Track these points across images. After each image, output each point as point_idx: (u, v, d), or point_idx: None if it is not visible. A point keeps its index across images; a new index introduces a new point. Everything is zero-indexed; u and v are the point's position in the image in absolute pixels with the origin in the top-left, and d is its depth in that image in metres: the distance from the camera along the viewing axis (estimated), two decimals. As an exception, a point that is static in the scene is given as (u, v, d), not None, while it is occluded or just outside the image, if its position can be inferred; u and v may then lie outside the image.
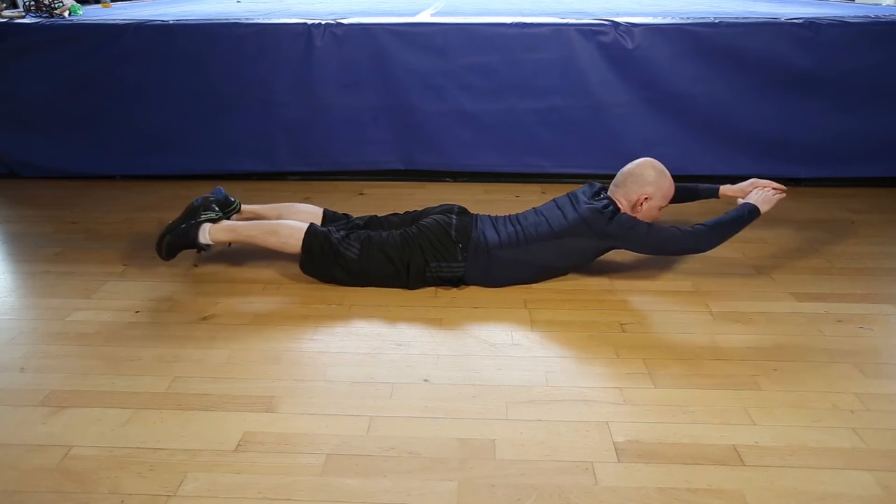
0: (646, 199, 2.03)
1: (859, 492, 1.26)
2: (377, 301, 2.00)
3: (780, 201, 2.07)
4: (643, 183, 2.02)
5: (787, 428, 1.44)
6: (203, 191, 3.00)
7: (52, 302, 2.00)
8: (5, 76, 3.03)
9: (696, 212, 2.63)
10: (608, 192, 2.10)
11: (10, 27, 2.98)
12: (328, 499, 1.24)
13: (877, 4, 4.66)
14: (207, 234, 2.06)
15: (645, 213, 2.05)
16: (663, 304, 1.98)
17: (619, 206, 2.04)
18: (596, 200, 2.04)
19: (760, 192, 2.04)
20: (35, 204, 2.90)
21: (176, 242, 2.06)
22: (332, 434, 1.42)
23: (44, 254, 2.36)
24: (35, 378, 1.62)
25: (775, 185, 2.08)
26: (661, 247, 1.94)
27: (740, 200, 2.09)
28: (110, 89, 3.01)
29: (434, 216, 2.11)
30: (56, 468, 1.32)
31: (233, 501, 1.24)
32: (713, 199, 2.27)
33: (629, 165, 2.07)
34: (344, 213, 2.30)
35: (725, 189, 2.20)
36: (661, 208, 2.07)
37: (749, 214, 1.98)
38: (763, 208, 1.99)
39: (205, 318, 1.90)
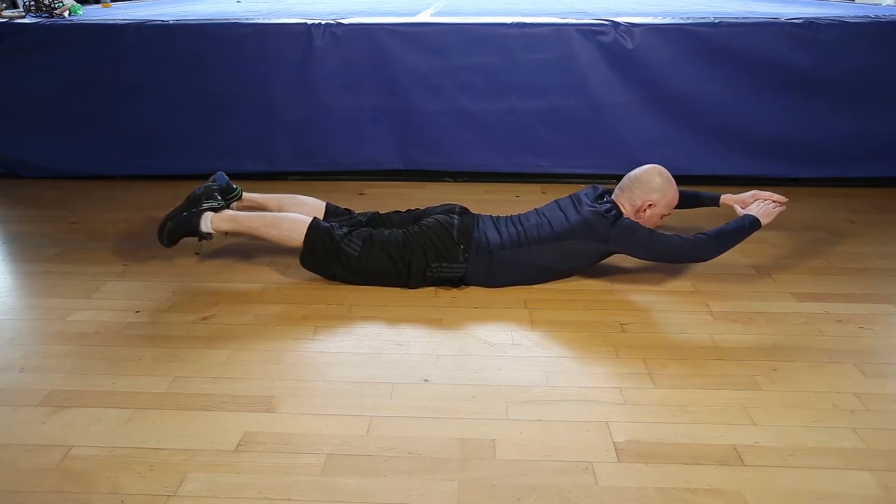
0: (650, 205, 2.04)
1: (859, 492, 1.26)
2: (377, 301, 2.00)
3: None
4: (649, 189, 2.04)
5: (787, 428, 1.44)
6: (203, 191, 3.02)
7: (52, 302, 2.00)
8: (5, 76, 3.03)
9: (701, 214, 2.63)
10: (612, 196, 2.10)
11: (10, 27, 2.98)
12: (328, 499, 1.24)
13: (877, 4, 4.66)
14: (209, 222, 2.06)
15: (647, 219, 2.06)
16: (663, 304, 1.98)
17: (623, 210, 2.05)
18: (599, 204, 2.04)
19: (762, 205, 2.05)
20: (35, 204, 2.90)
21: (177, 230, 2.05)
22: (332, 434, 1.42)
23: (44, 254, 2.36)
24: (35, 378, 1.62)
25: (776, 196, 2.08)
26: (662, 253, 1.95)
27: (740, 210, 2.11)
28: (110, 89, 3.01)
29: (436, 216, 2.11)
30: (56, 468, 1.32)
31: (233, 501, 1.24)
32: (716, 205, 2.28)
33: (636, 171, 2.07)
34: (346, 209, 2.29)
35: (726, 198, 2.21)
36: (663, 216, 2.08)
37: (750, 226, 1.99)
38: (764, 221, 2.00)
39: (205, 318, 1.90)
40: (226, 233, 2.11)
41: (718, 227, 1.98)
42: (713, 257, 1.95)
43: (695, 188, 2.29)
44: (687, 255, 1.94)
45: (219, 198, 2.11)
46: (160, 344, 1.77)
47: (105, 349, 1.75)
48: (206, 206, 2.07)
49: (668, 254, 1.94)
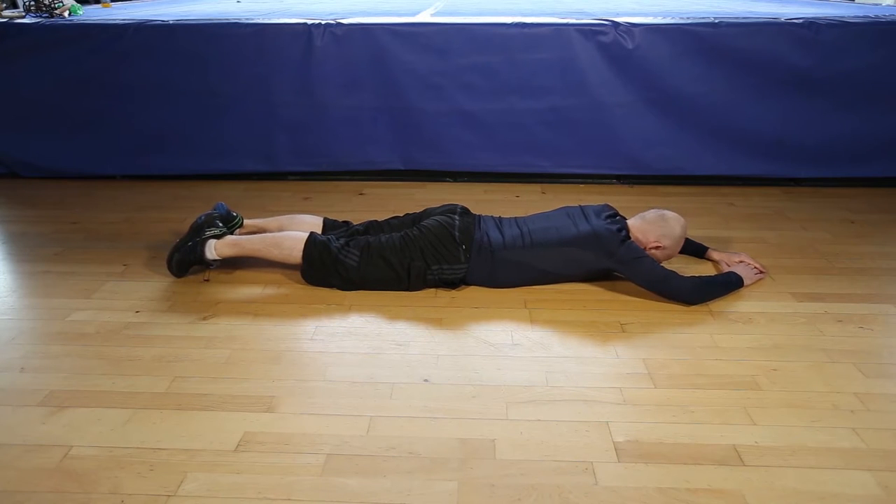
0: (657, 247, 2.07)
1: (859, 492, 1.26)
2: (377, 301, 2.00)
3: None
4: (667, 235, 2.08)
5: (787, 428, 1.44)
6: (203, 191, 3.03)
7: (52, 302, 2.00)
8: (5, 76, 3.02)
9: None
10: (628, 221, 2.14)
11: (10, 27, 2.98)
12: (328, 499, 1.24)
13: (877, 4, 4.66)
14: (213, 249, 2.10)
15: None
16: (663, 304, 1.98)
17: (632, 235, 2.10)
18: (611, 222, 2.08)
19: (746, 269, 2.12)
20: (35, 204, 2.90)
21: (185, 260, 2.11)
22: (332, 434, 1.42)
23: (44, 254, 2.36)
24: (35, 378, 1.62)
25: (759, 265, 2.15)
26: (658, 284, 1.97)
27: (725, 267, 2.18)
28: (110, 89, 3.01)
29: (436, 217, 2.11)
30: (56, 468, 1.32)
31: (233, 501, 1.24)
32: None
33: (666, 212, 2.12)
34: (344, 221, 2.31)
35: (712, 253, 2.26)
36: (660, 262, 2.09)
37: (735, 283, 2.04)
38: (745, 283, 2.07)
39: (205, 318, 1.91)
40: (230, 257, 2.14)
41: (709, 277, 2.03)
42: (698, 303, 1.98)
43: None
44: (678, 294, 1.97)
45: (220, 225, 2.16)
46: (160, 344, 1.77)
47: (105, 349, 1.75)
48: (208, 233, 2.12)
49: (664, 287, 1.97)
